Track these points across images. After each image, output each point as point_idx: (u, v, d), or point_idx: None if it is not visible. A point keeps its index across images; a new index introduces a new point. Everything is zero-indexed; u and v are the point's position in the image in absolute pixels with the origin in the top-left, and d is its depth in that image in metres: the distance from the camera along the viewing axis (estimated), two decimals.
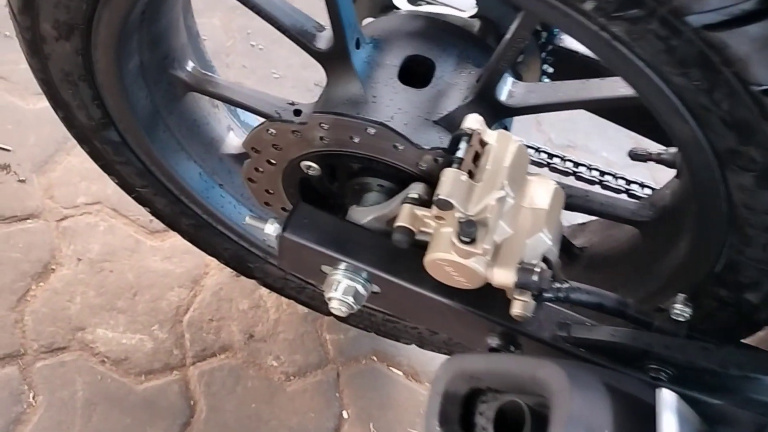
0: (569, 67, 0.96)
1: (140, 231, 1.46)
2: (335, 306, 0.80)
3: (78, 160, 1.48)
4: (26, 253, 1.38)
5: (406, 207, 0.73)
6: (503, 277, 0.68)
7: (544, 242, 0.70)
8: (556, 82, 0.78)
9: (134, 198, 1.14)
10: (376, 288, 0.81)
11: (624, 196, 1.08)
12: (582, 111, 0.90)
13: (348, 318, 1.00)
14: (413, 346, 1.37)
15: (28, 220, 1.41)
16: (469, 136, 0.70)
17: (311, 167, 0.84)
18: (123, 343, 1.35)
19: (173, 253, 1.45)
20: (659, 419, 0.55)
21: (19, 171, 1.45)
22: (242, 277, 1.35)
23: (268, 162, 0.86)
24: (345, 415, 1.40)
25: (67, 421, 1.26)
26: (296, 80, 1.74)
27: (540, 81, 0.93)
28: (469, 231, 0.65)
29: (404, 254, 0.76)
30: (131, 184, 1.10)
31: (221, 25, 1.83)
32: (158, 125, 1.01)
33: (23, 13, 0.76)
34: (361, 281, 0.80)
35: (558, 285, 0.71)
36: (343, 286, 0.80)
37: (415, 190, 0.75)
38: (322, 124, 0.77)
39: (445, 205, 0.66)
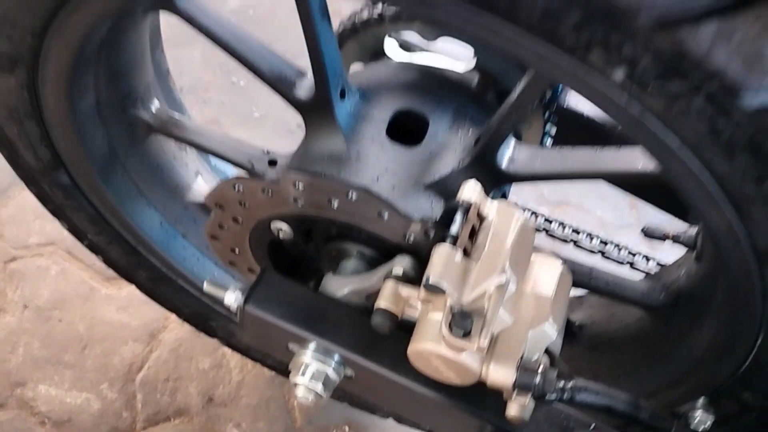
0: (574, 129, 0.89)
1: (95, 277, 1.35)
2: (301, 394, 0.70)
3: (33, 197, 1.38)
4: None
5: (389, 284, 0.64)
6: (501, 376, 0.59)
7: (549, 335, 0.62)
8: (565, 150, 0.70)
9: (86, 245, 1.04)
10: (349, 372, 0.72)
11: (626, 269, 1.01)
12: None
13: None
14: (390, 420, 1.26)
15: None
16: (467, 207, 0.61)
17: (282, 229, 0.75)
18: (67, 403, 1.24)
19: (130, 303, 1.35)
20: None
21: None
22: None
23: (234, 220, 0.77)
24: None
25: None
26: (277, 121, 1.66)
27: (542, 142, 0.85)
28: (462, 323, 0.55)
29: (380, 338, 0.67)
30: (83, 231, 1.00)
31: (201, 59, 1.75)
32: (115, 168, 0.91)
33: None
34: (333, 365, 0.70)
35: (562, 384, 0.62)
36: (311, 370, 0.70)
37: (401, 264, 0.66)
38: (296, 184, 0.68)
39: (436, 290, 0.57)
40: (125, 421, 1.25)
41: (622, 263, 1.05)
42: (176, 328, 1.35)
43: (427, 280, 0.57)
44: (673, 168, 0.50)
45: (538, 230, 1.07)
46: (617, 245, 1.05)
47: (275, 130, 1.68)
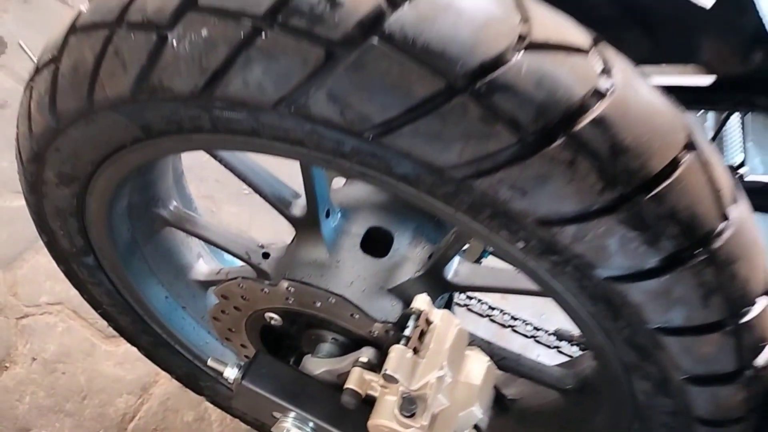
0: None
1: (97, 335, 1.50)
2: None
3: (46, 259, 1.50)
4: None
5: (356, 370, 0.82)
6: None
7: (476, 415, 0.79)
8: (495, 268, 0.89)
9: (100, 314, 1.19)
10: None
11: (552, 352, 1.19)
12: None
13: None
14: None
15: None
16: (418, 315, 0.79)
17: (273, 318, 0.92)
18: None
19: (126, 359, 1.49)
20: None
21: None
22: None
23: (235, 308, 0.94)
24: None
25: None
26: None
27: (481, 257, 1.04)
28: (409, 407, 0.73)
29: (348, 411, 0.84)
30: (99, 302, 1.15)
31: None
32: (134, 254, 1.08)
33: (31, 162, 0.84)
34: (308, 431, 0.87)
35: None
36: None
37: (366, 355, 0.84)
38: (289, 288, 0.86)
39: (391, 380, 0.75)
40: None
41: (550, 347, 1.24)
42: (165, 383, 1.49)
43: (385, 371, 0.75)
44: (560, 303, 0.69)
45: (482, 316, 1.26)
46: (547, 331, 1.25)
47: (261, 206, 1.84)
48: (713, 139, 1.00)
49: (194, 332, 1.22)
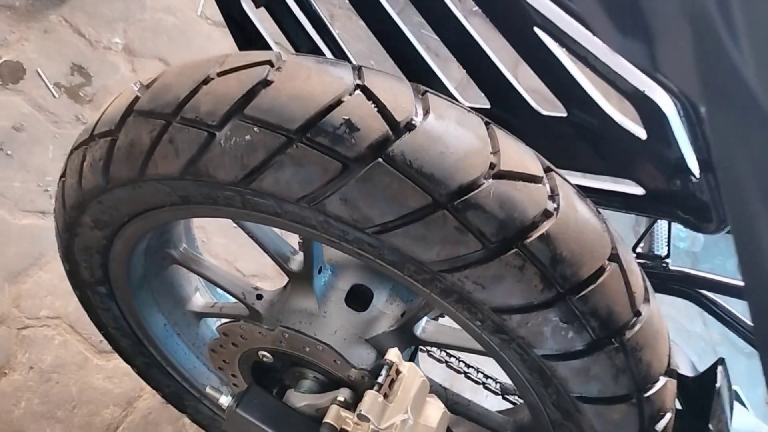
0: None
1: (90, 349, 1.61)
2: None
3: (48, 276, 1.64)
4: None
5: (334, 407, 0.96)
6: None
7: None
8: (457, 329, 1.05)
9: (103, 334, 1.31)
10: None
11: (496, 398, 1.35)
12: None
13: None
14: None
15: None
16: (390, 366, 0.94)
17: (266, 356, 1.06)
18: None
19: (115, 373, 1.60)
20: None
21: None
22: (171, 405, 1.51)
23: (233, 345, 1.08)
24: None
25: None
26: None
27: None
28: None
29: None
30: (105, 325, 1.28)
31: None
32: (143, 286, 1.21)
33: (74, 209, 0.97)
34: None
35: None
36: None
37: (343, 395, 0.98)
38: (284, 334, 1.00)
39: (364, 419, 0.89)
40: None
41: (498, 393, 1.40)
42: (149, 399, 1.61)
43: (360, 412, 0.90)
44: (504, 367, 0.85)
45: (441, 362, 1.41)
46: (494, 380, 1.40)
47: (247, 240, 1.99)
48: (644, 234, 1.18)
49: (185, 357, 1.35)
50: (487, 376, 1.39)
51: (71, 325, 1.61)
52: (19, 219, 1.68)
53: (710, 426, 0.86)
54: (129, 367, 1.43)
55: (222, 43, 2.18)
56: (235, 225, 1.97)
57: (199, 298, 1.34)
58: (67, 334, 1.60)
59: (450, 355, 1.41)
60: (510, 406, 1.36)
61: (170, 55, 2.08)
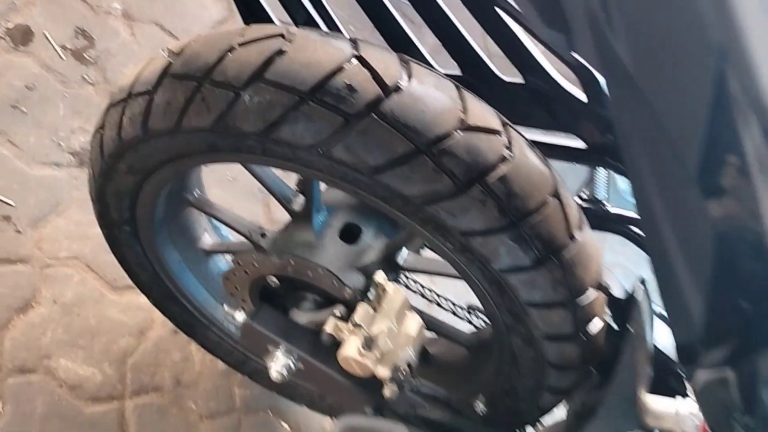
0: None
1: (105, 286, 1.78)
2: (273, 374, 1.20)
3: (65, 222, 1.79)
4: (13, 290, 1.66)
5: (332, 320, 1.16)
6: (383, 373, 1.12)
7: (409, 355, 1.15)
8: (431, 258, 1.25)
9: (125, 269, 1.48)
10: (300, 365, 1.22)
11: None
12: None
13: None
14: (303, 407, 1.76)
15: (18, 264, 1.69)
16: (377, 285, 1.14)
17: (274, 281, 1.25)
18: (79, 374, 1.64)
19: (128, 307, 1.78)
20: None
21: (18, 223, 1.73)
22: (179, 334, 1.70)
23: (245, 272, 1.27)
24: None
25: (27, 431, 1.54)
26: (246, 184, 2.14)
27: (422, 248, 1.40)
28: (368, 344, 1.08)
29: (323, 348, 1.18)
30: (128, 260, 1.45)
31: None
32: (163, 226, 1.38)
33: (112, 157, 1.13)
34: (293, 360, 1.21)
35: (413, 383, 1.16)
36: (281, 362, 1.20)
37: (339, 310, 1.18)
38: (291, 261, 1.19)
39: (357, 326, 1.10)
40: (118, 390, 1.67)
41: (463, 319, 1.61)
42: (159, 329, 1.79)
43: (354, 320, 1.10)
44: (469, 282, 1.05)
45: (415, 292, 1.62)
46: (461, 307, 1.62)
47: (243, 191, 2.15)
48: (589, 181, 1.39)
49: (196, 289, 1.53)
50: (455, 304, 1.60)
51: (88, 265, 1.77)
52: (37, 171, 1.82)
53: (628, 326, 1.07)
54: (141, 301, 1.61)
55: (214, 9, 2.31)
56: (231, 178, 2.16)
57: (208, 238, 1.52)
58: (84, 272, 1.76)
59: (424, 287, 1.62)
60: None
61: (166, 21, 2.20)
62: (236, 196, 2.08)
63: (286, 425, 1.82)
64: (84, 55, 2.03)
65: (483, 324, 1.41)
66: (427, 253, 1.42)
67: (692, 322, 0.74)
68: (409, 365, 1.16)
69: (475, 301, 1.27)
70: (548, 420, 1.28)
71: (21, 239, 1.72)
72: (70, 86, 1.96)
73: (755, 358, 0.74)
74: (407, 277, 1.49)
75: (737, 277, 0.65)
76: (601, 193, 1.38)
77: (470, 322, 1.58)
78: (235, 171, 2.17)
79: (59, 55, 1.98)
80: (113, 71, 2.05)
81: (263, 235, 1.31)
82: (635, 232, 1.32)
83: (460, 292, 1.54)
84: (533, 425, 1.30)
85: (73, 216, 1.79)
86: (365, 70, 0.90)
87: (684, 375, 1.16)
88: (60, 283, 1.72)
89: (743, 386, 0.80)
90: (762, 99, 0.46)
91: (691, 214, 0.65)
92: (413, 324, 1.17)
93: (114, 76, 2.04)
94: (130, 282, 1.48)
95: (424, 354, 1.43)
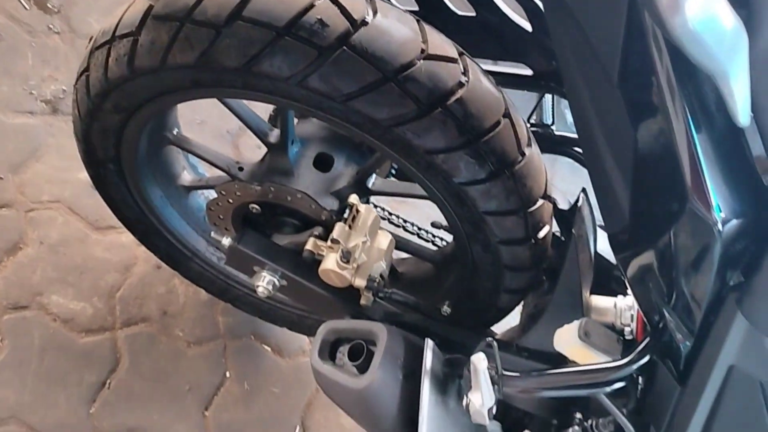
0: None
1: (88, 227, 1.85)
2: (260, 291, 1.32)
3: (44, 167, 1.84)
4: (0, 234, 1.73)
5: (312, 239, 1.27)
6: (359, 282, 1.24)
7: (382, 267, 1.28)
8: (398, 181, 1.36)
9: (110, 207, 1.56)
10: (284, 282, 1.34)
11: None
12: None
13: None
14: (284, 329, 1.89)
15: (3, 209, 1.75)
16: (351, 206, 1.26)
17: (255, 208, 1.36)
18: (70, 308, 1.73)
19: (112, 246, 1.85)
20: (425, 353, 1.14)
21: None
22: (162, 269, 1.79)
23: (228, 201, 1.36)
24: (228, 374, 1.87)
25: (26, 361, 1.62)
26: (214, 127, 2.20)
27: (389, 173, 1.52)
28: (346, 257, 1.20)
29: (304, 265, 1.30)
30: (113, 198, 1.52)
31: None
32: (145, 164, 1.46)
33: (98, 96, 1.20)
34: (277, 277, 1.33)
35: (386, 291, 1.29)
36: (266, 279, 1.32)
37: (318, 230, 1.29)
38: (271, 188, 1.29)
39: (335, 242, 1.21)
40: (108, 322, 1.77)
41: (428, 241, 1.75)
42: (142, 265, 1.87)
43: (332, 237, 1.21)
44: (434, 198, 1.17)
45: (384, 219, 1.74)
46: (427, 231, 1.75)
47: (211, 133, 2.21)
48: (536, 107, 1.51)
49: (179, 223, 1.62)
50: (419, 228, 1.73)
51: (70, 208, 1.83)
52: (12, 119, 1.86)
53: (572, 231, 1.22)
54: (123, 240, 1.70)
55: None
56: (200, 121, 2.22)
57: (187, 175, 1.60)
58: (66, 215, 1.82)
59: (391, 214, 1.74)
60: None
61: None
62: (205, 139, 2.14)
63: (267, 347, 1.95)
64: (47, 4, 2.03)
65: (445, 243, 1.55)
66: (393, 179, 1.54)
67: (621, 213, 0.87)
68: (381, 276, 1.29)
69: (439, 219, 1.40)
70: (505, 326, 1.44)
71: (3, 184, 1.77)
72: (36, 36, 1.98)
73: (673, 242, 0.88)
74: (376, 206, 1.61)
75: (654, 169, 0.78)
76: (548, 119, 1.51)
77: (433, 243, 1.72)
78: (203, 114, 2.22)
79: (23, 5, 1.99)
80: (77, 20, 2.06)
81: (241, 168, 1.40)
82: (577, 152, 1.46)
83: (422, 218, 1.67)
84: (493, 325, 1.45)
85: (51, 161, 1.84)
86: (334, 6, 0.99)
87: (622, 272, 1.32)
88: (45, 225, 1.78)
89: (663, 270, 0.94)
90: (660, 13, 0.58)
91: (616, 119, 0.78)
92: (384, 239, 1.29)
93: (79, 24, 2.05)
94: (112, 223, 1.56)
95: (394, 273, 1.57)
